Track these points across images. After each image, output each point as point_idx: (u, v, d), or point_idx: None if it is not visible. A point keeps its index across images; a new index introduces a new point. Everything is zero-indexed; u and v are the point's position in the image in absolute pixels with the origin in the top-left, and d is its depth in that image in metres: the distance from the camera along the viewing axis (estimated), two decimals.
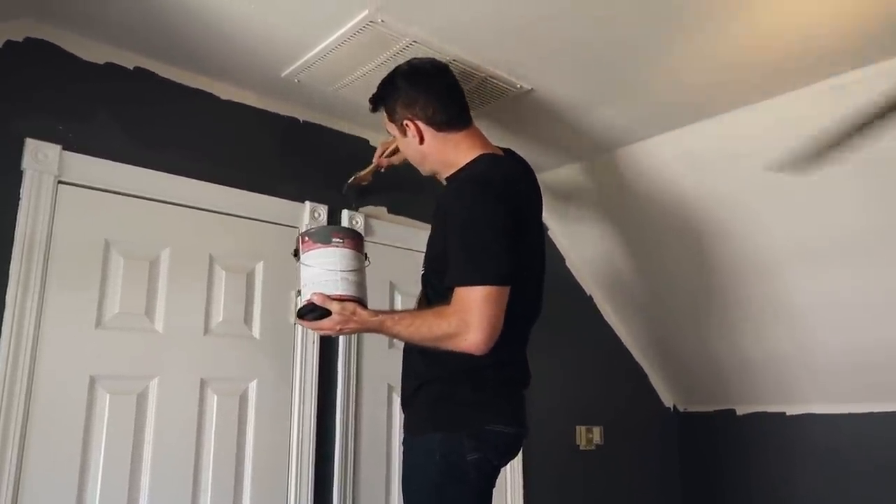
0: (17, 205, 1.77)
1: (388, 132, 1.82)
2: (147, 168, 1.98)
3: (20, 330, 1.72)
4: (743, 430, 3.15)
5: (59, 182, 1.83)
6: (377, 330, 1.60)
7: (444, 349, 1.52)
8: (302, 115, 2.36)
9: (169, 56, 2.02)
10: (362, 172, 2.13)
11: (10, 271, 1.73)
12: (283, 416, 2.14)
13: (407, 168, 1.92)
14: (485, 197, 1.56)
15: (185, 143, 2.08)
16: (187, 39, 1.92)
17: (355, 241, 1.63)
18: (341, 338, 2.27)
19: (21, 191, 1.78)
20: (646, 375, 3.36)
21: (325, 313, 1.55)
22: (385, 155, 2.07)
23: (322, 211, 2.31)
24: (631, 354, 3.31)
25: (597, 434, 3.03)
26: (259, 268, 2.18)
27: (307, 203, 2.28)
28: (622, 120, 2.38)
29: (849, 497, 2.78)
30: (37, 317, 1.75)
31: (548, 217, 3.00)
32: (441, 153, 1.71)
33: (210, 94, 2.15)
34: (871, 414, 2.75)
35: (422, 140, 1.70)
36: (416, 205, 2.49)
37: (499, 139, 1.87)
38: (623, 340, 3.29)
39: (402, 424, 1.73)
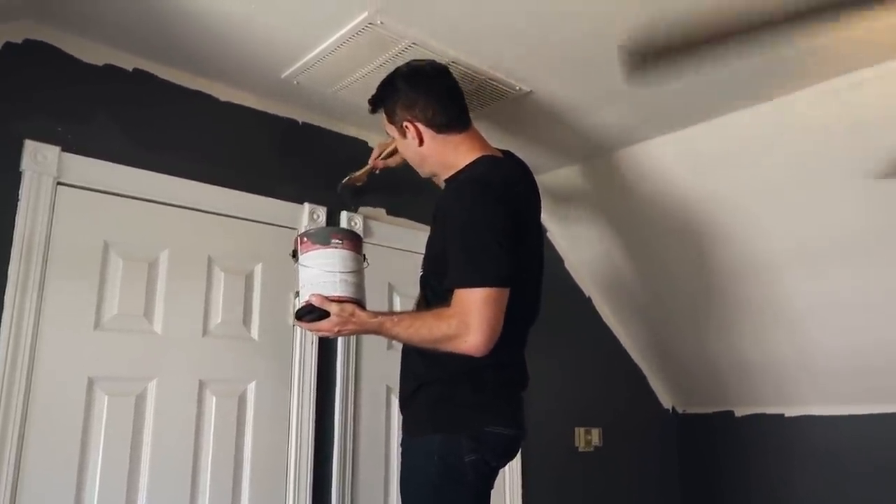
0: (16, 206, 1.77)
1: (388, 133, 1.82)
2: (146, 169, 1.98)
3: (19, 331, 1.71)
4: (742, 432, 3.16)
5: (58, 183, 1.83)
6: (376, 331, 1.60)
7: (444, 351, 1.52)
8: (301, 117, 2.36)
9: (168, 57, 2.03)
10: (357, 173, 2.13)
11: (9, 272, 1.73)
12: (282, 417, 2.14)
13: (405, 169, 1.93)
14: (485, 198, 1.56)
15: (184, 145, 2.08)
16: (186, 41, 1.92)
17: (354, 242, 1.63)
18: (340, 339, 2.27)
19: (20, 192, 1.78)
20: (645, 377, 3.36)
21: (324, 315, 1.55)
22: (382, 157, 2.07)
23: (321, 212, 2.31)
24: (630, 356, 3.31)
25: (595, 436, 3.03)
26: (258, 269, 2.18)
27: (306, 204, 2.28)
28: (621, 121, 2.38)
29: (847, 498, 2.78)
30: (35, 318, 1.75)
31: (547, 219, 3.00)
32: (440, 155, 1.72)
33: (209, 96, 2.15)
34: (869, 415, 2.76)
35: (421, 142, 1.70)
36: (414, 206, 2.49)
37: (498, 141, 1.87)
38: (622, 342, 3.29)
39: (400, 426, 1.73)
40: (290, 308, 2.16)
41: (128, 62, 2.01)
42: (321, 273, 1.56)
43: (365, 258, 1.66)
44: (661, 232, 2.76)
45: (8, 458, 1.66)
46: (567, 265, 3.14)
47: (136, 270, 1.94)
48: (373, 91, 1.79)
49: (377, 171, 2.12)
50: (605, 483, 3.04)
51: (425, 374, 1.64)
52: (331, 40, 1.88)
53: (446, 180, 1.73)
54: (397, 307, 2.43)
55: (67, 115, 1.89)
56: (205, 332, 2.04)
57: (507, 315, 1.52)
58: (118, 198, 1.93)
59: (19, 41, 1.84)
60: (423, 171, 1.81)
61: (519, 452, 1.78)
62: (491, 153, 1.73)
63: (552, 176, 2.83)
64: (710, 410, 3.29)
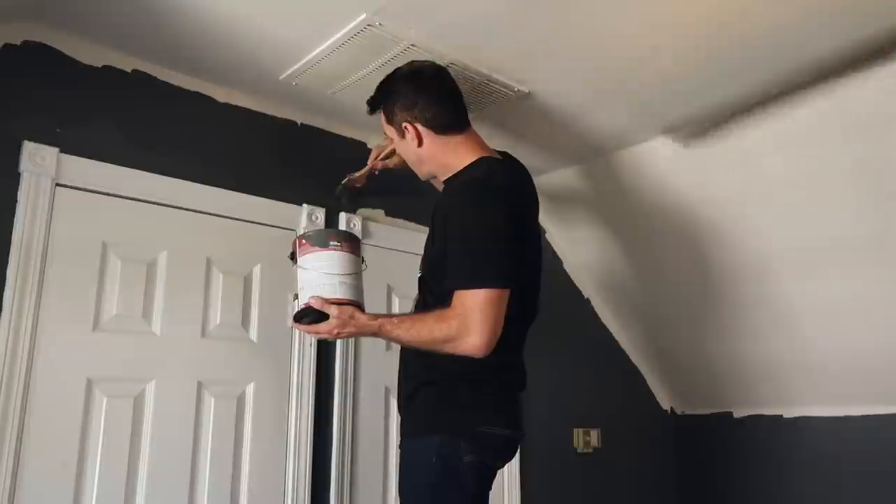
0: (15, 207, 1.77)
1: (386, 134, 1.81)
2: (144, 171, 1.98)
3: (17, 332, 1.71)
4: (740, 433, 3.16)
5: (57, 185, 1.83)
6: (375, 334, 1.60)
7: (443, 352, 1.52)
8: (300, 119, 2.36)
9: (167, 59, 2.03)
10: (356, 175, 2.13)
11: (8, 274, 1.73)
12: (281, 419, 2.14)
13: (404, 171, 1.92)
14: (485, 200, 1.57)
15: (182, 146, 2.08)
16: (185, 43, 1.92)
17: (353, 244, 1.63)
18: (339, 341, 2.26)
19: (18, 193, 1.78)
20: (643, 378, 3.36)
21: (323, 317, 1.55)
22: (380, 158, 2.06)
23: (319, 214, 2.31)
24: (628, 357, 3.31)
25: (594, 437, 3.03)
26: (256, 271, 2.18)
27: (305, 206, 2.28)
28: (620, 123, 2.38)
29: (846, 499, 2.78)
30: (34, 319, 1.75)
31: (546, 220, 3.00)
32: (440, 156, 1.72)
33: (208, 97, 2.15)
34: (867, 416, 2.76)
35: (420, 143, 1.70)
36: (413, 207, 2.49)
37: (497, 142, 1.87)
38: (620, 343, 3.29)
39: (399, 427, 1.73)
40: (288, 310, 2.15)
41: (126, 64, 2.01)
42: (320, 275, 1.56)
43: (363, 260, 1.66)
44: (659, 233, 2.76)
45: (6, 459, 1.66)
46: (566, 266, 3.14)
47: (134, 272, 1.94)
48: (371, 92, 1.79)
49: (376, 173, 2.12)
50: (603, 484, 3.04)
51: (424, 375, 1.64)
52: (329, 41, 1.88)
53: (445, 181, 1.73)
54: (396, 308, 2.43)
55: (66, 117, 1.88)
56: (203, 333, 2.04)
57: (505, 316, 1.52)
58: (117, 199, 1.93)
59: (18, 42, 1.84)
60: (422, 172, 1.81)
61: (517, 453, 1.78)
62: (490, 154, 1.73)
63: (551, 177, 2.83)
64: (708, 411, 3.29)
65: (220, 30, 1.85)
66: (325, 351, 2.25)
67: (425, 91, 1.70)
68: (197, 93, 2.13)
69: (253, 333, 2.14)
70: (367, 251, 1.74)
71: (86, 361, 1.82)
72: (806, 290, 2.57)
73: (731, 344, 2.93)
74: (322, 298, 1.55)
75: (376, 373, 2.34)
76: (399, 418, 1.73)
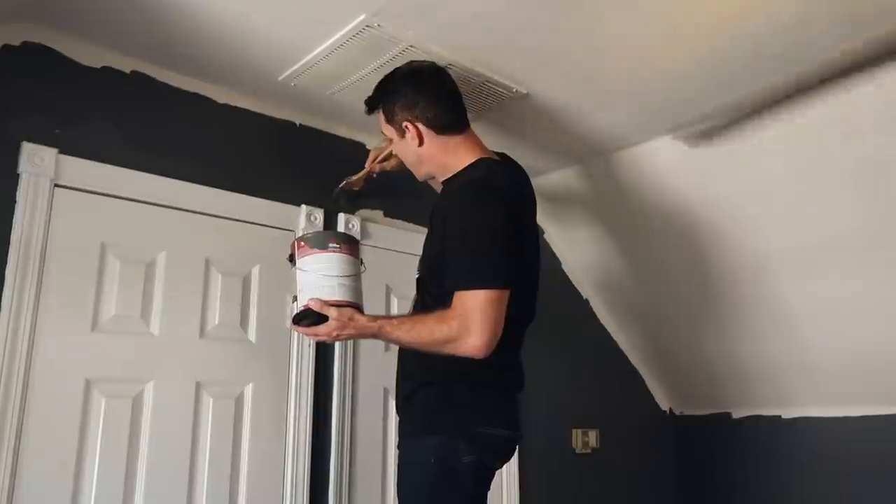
0: (14, 208, 1.77)
1: (384, 134, 1.81)
2: (143, 172, 1.98)
3: (16, 333, 1.71)
4: (739, 433, 3.16)
5: (56, 185, 1.83)
6: (375, 335, 1.60)
7: (444, 353, 1.52)
8: (298, 119, 2.36)
9: (166, 60, 2.03)
10: (354, 177, 2.13)
11: (6, 274, 1.73)
12: (279, 419, 2.14)
13: (402, 172, 1.92)
14: (485, 200, 1.57)
15: (181, 147, 2.08)
16: (184, 43, 1.92)
17: (351, 246, 1.63)
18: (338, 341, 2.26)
19: (17, 194, 1.78)
20: (642, 379, 3.37)
21: (322, 319, 1.55)
22: (378, 161, 2.07)
23: (318, 215, 2.31)
24: (627, 358, 3.31)
25: (593, 437, 3.04)
26: (255, 271, 2.18)
27: (303, 207, 2.28)
28: (618, 124, 2.38)
29: (844, 499, 2.78)
30: (32, 320, 1.75)
31: (545, 220, 3.01)
32: (439, 156, 1.71)
33: (207, 98, 2.15)
34: (866, 417, 2.76)
35: (421, 142, 1.70)
36: (412, 208, 2.49)
37: (495, 143, 1.87)
38: (619, 344, 3.29)
39: (397, 428, 1.73)
40: (287, 310, 2.16)
41: (125, 64, 2.01)
42: (319, 277, 1.56)
43: (362, 262, 1.66)
44: (658, 234, 2.76)
45: (5, 459, 1.66)
46: (564, 267, 3.14)
47: (133, 272, 1.94)
48: (370, 93, 1.78)
49: (374, 176, 2.13)
50: (601, 485, 3.04)
51: (422, 376, 1.64)
52: (328, 43, 1.88)
53: (445, 182, 1.73)
54: (395, 309, 2.43)
55: (65, 118, 1.89)
56: (202, 333, 2.04)
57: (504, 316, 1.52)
58: (115, 200, 1.93)
59: (17, 43, 1.84)
60: (420, 173, 1.80)
61: (516, 454, 1.78)
62: (488, 156, 1.73)
63: (549, 178, 2.84)
64: (707, 412, 3.30)
65: (219, 30, 1.85)
66: (323, 352, 2.25)
67: (426, 91, 1.70)
68: (196, 93, 2.13)
69: (251, 334, 2.14)
70: (366, 252, 1.74)
71: (84, 362, 1.82)
72: (805, 291, 2.57)
73: (730, 344, 2.93)
74: (321, 300, 1.55)
75: (375, 373, 2.34)
76: (397, 419, 1.73)
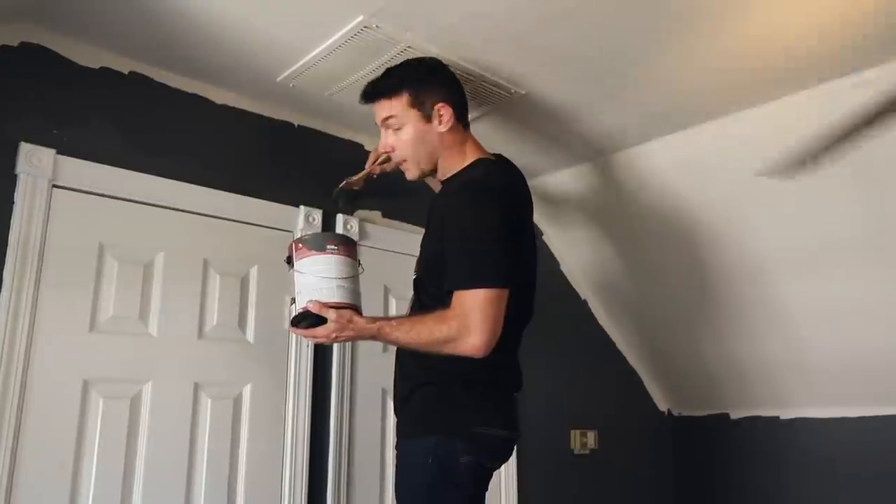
0: (12, 209, 1.77)
1: (386, 125, 1.72)
2: (142, 172, 1.98)
3: (14, 333, 1.71)
4: (736, 434, 3.16)
5: (54, 186, 1.84)
6: (374, 337, 1.59)
7: (443, 353, 1.52)
8: (296, 120, 2.36)
9: (164, 61, 2.03)
10: (354, 178, 2.13)
11: (4, 275, 1.73)
12: (277, 420, 2.14)
13: (401, 172, 1.92)
14: (483, 200, 1.57)
15: (179, 148, 2.08)
16: (182, 44, 1.92)
17: (349, 247, 1.62)
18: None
19: (15, 195, 1.78)
20: (640, 379, 3.37)
21: (321, 321, 1.55)
22: (378, 162, 2.06)
23: (317, 215, 2.31)
24: (625, 358, 3.32)
25: (591, 438, 3.04)
26: (253, 272, 2.18)
27: (302, 207, 2.28)
28: (616, 125, 2.38)
29: (842, 500, 2.79)
30: (30, 320, 1.75)
31: (543, 221, 3.01)
32: (451, 147, 1.69)
33: (205, 99, 2.16)
34: (864, 417, 2.76)
35: (448, 126, 1.66)
36: (410, 209, 2.49)
37: (493, 144, 1.87)
38: (617, 344, 3.29)
39: (395, 428, 1.73)
40: (285, 311, 2.16)
41: (124, 65, 2.01)
42: (317, 279, 1.55)
43: (360, 263, 1.66)
44: (655, 234, 2.77)
45: (3, 459, 1.66)
46: (563, 268, 3.14)
47: (131, 273, 1.94)
48: (383, 80, 1.72)
49: (374, 176, 2.12)
50: (600, 485, 3.05)
51: (420, 376, 1.64)
52: (326, 44, 1.88)
53: (444, 181, 1.73)
54: (393, 310, 2.43)
55: (63, 118, 1.89)
56: (200, 334, 2.04)
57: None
58: (114, 200, 1.93)
59: (15, 44, 1.84)
60: (420, 167, 1.73)
61: (514, 454, 1.77)
62: (486, 157, 1.73)
63: (547, 178, 2.83)
64: (705, 413, 3.30)
65: (217, 31, 1.85)
66: (322, 352, 2.25)
67: (451, 80, 1.73)
68: (194, 94, 2.13)
69: (250, 335, 2.14)
70: (365, 252, 1.74)
71: (82, 362, 1.82)
72: (802, 291, 2.57)
73: (728, 345, 2.93)
74: (320, 302, 1.54)
75: (373, 374, 2.35)
76: (395, 419, 1.73)
